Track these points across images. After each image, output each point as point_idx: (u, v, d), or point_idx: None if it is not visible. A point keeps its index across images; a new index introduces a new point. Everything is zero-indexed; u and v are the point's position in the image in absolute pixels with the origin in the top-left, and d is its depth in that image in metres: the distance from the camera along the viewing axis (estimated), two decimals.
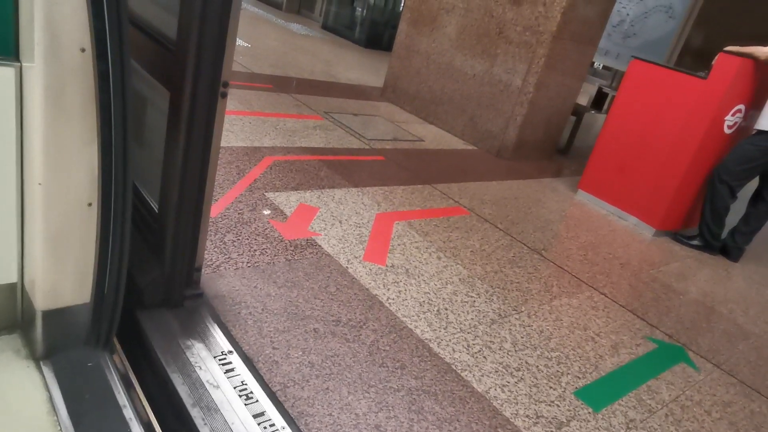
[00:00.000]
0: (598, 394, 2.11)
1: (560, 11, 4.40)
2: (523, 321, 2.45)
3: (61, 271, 1.40)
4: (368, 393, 1.77)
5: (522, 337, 2.32)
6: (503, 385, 2.00)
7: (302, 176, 3.31)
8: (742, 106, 3.80)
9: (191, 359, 1.64)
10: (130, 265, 1.47)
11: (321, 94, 5.43)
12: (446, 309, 2.37)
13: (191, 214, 1.68)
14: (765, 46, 3.53)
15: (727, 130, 3.83)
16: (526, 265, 3.00)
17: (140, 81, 1.76)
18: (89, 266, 1.42)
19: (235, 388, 1.59)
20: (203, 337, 1.75)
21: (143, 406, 1.46)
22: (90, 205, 1.35)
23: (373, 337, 2.05)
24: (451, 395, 1.86)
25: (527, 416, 1.88)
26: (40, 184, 1.28)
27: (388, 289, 2.38)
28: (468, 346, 2.16)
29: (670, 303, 3.04)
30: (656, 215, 3.98)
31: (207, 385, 1.57)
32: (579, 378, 2.17)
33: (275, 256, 2.39)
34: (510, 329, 2.36)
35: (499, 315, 2.44)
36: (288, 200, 2.95)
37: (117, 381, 1.48)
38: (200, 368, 1.62)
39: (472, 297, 2.52)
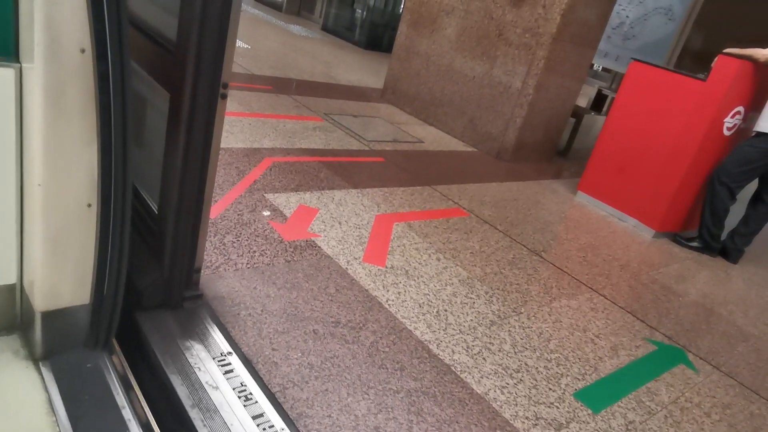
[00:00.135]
0: (598, 395, 2.11)
1: (560, 13, 4.40)
2: (523, 322, 2.45)
3: (61, 272, 1.40)
4: (367, 394, 1.77)
5: (521, 339, 2.32)
6: (503, 387, 1.99)
7: (302, 177, 3.31)
8: (741, 108, 3.80)
9: (190, 360, 1.64)
10: (130, 266, 1.47)
11: (321, 95, 5.43)
12: (446, 310, 2.36)
13: (191, 215, 1.68)
14: (764, 48, 3.53)
15: (726, 132, 3.83)
16: (526, 267, 3.00)
17: (140, 82, 1.76)
18: (89, 267, 1.42)
19: (234, 389, 1.59)
20: (202, 338, 1.75)
21: (142, 407, 1.46)
22: (89, 206, 1.35)
23: (372, 338, 2.05)
24: (450, 397, 1.86)
25: (526, 418, 1.88)
26: (39, 184, 1.28)
27: (388, 291, 2.38)
28: (467, 347, 2.16)
29: (670, 305, 3.04)
30: (656, 217, 3.98)
31: (206, 387, 1.57)
32: (578, 379, 2.16)
33: (275, 257, 2.39)
34: (509, 331, 2.35)
35: (499, 316, 2.44)
36: (288, 201, 2.95)
37: (116, 382, 1.47)
38: (199, 369, 1.62)
39: (471, 298, 2.52)
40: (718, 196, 3.77)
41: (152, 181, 1.75)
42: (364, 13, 9.64)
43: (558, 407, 1.98)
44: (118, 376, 1.50)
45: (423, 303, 2.37)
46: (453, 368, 2.01)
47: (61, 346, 1.50)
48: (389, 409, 1.73)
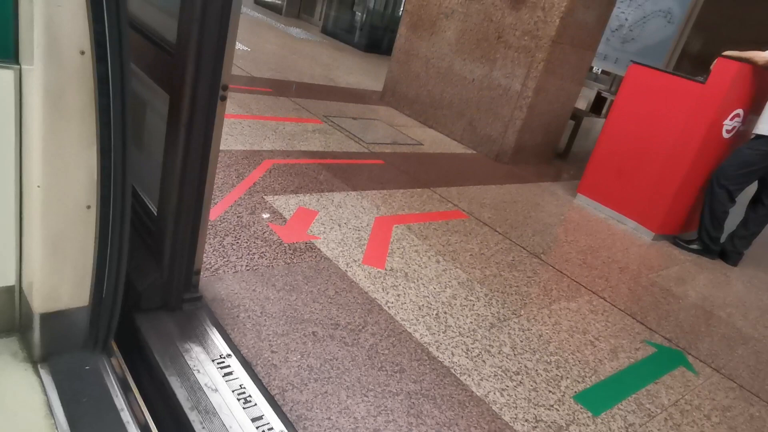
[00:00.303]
0: (598, 398, 2.10)
1: (559, 16, 4.41)
2: (522, 325, 2.45)
3: (60, 274, 1.40)
4: (367, 397, 1.76)
5: (521, 341, 2.32)
6: (502, 389, 1.99)
7: (301, 180, 3.31)
8: (740, 111, 3.81)
9: (189, 363, 1.64)
10: (129, 268, 1.47)
11: (320, 97, 5.44)
12: (445, 313, 2.36)
13: (190, 217, 1.68)
14: (763, 50, 3.54)
15: (725, 135, 3.83)
16: (525, 269, 3.00)
17: (140, 84, 1.76)
18: (88, 269, 1.42)
19: (233, 391, 1.59)
20: (202, 340, 1.75)
21: (141, 410, 1.46)
22: (89, 207, 1.35)
23: (371, 340, 2.04)
24: (450, 399, 1.86)
25: (526, 420, 1.88)
26: (38, 186, 1.28)
27: (387, 293, 2.38)
28: (467, 350, 2.16)
29: (669, 307, 3.04)
30: (655, 219, 3.98)
31: (205, 389, 1.56)
32: (578, 382, 2.16)
33: (274, 259, 2.39)
34: (509, 333, 2.35)
35: (498, 319, 2.44)
36: (287, 204, 2.95)
37: (115, 384, 1.47)
38: (198, 372, 1.61)
39: (471, 301, 2.52)
40: (718, 198, 3.78)
41: (152, 182, 1.75)
42: (364, 15, 9.65)
43: (558, 410, 1.97)
44: (117, 378, 1.49)
45: (422, 305, 2.37)
46: (452, 371, 2.01)
47: (60, 347, 1.49)
48: (389, 412, 1.73)
